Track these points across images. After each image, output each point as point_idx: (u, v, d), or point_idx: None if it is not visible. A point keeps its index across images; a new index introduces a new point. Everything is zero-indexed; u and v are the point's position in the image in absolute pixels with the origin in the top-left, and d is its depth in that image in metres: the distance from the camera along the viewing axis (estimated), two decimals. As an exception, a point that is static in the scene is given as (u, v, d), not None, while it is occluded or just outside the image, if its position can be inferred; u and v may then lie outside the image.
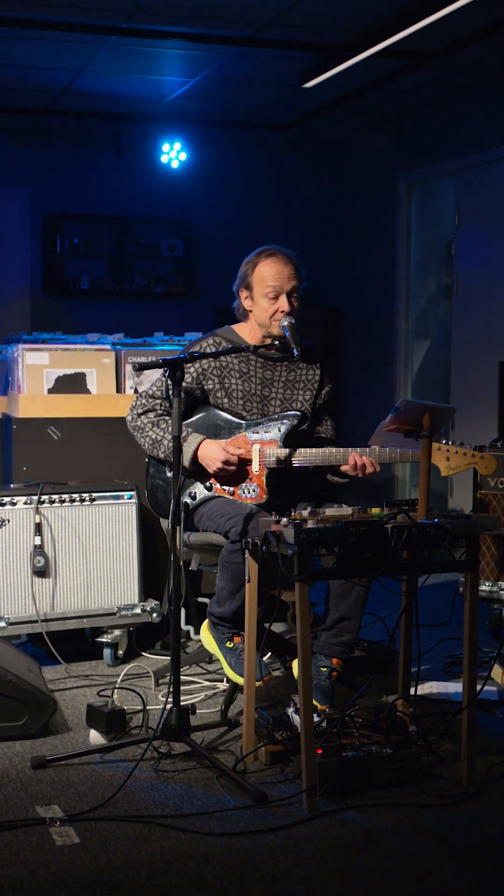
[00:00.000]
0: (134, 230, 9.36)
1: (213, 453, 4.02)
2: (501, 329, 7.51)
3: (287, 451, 4.04)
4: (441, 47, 6.66)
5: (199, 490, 4.14)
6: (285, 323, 4.03)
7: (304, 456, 4.03)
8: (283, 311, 4.05)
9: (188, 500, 4.14)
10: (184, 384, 4.09)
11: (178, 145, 9.11)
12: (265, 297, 4.07)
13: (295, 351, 3.98)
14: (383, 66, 7.05)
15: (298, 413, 4.11)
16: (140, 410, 4.19)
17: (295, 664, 3.96)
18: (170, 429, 4.10)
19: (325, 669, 3.88)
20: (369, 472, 4.01)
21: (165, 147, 9.11)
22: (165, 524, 4.36)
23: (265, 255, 4.11)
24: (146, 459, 4.34)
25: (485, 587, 4.77)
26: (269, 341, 4.14)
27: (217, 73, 7.29)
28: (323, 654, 3.92)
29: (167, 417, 4.14)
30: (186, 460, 4.03)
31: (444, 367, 8.39)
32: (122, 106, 8.25)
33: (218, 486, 4.11)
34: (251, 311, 4.14)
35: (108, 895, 2.71)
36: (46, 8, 5.96)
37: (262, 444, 4.08)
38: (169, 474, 4.23)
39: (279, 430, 4.08)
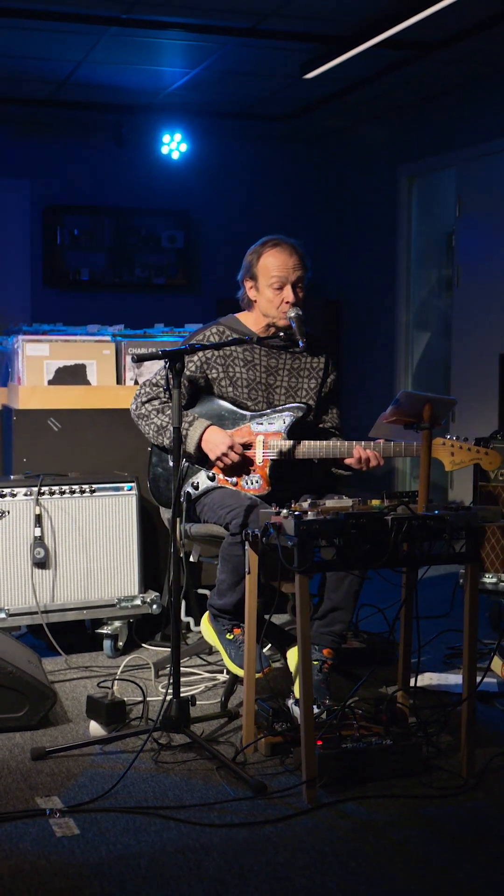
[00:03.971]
0: (134, 221, 9.35)
1: (218, 438, 4.01)
2: (502, 321, 7.50)
3: (291, 443, 4.03)
4: (442, 38, 6.65)
5: (202, 480, 4.13)
6: (292, 314, 4.02)
7: (308, 448, 4.02)
8: (287, 302, 4.04)
9: (190, 489, 4.13)
10: (187, 373, 4.09)
11: (178, 136, 9.10)
12: (270, 287, 4.05)
13: (301, 342, 3.97)
14: (384, 58, 7.04)
15: (304, 405, 4.09)
16: (144, 398, 4.18)
17: (289, 654, 3.97)
18: None
19: (316, 663, 3.86)
20: (373, 465, 3.99)
21: (166, 138, 9.10)
22: (166, 514, 4.35)
23: (270, 245, 4.08)
24: (149, 448, 4.33)
25: (490, 579, 4.74)
26: (273, 331, 4.12)
27: (217, 63, 7.27)
28: (314, 643, 3.90)
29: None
30: (192, 445, 4.02)
31: (445, 359, 8.38)
32: (122, 97, 8.24)
33: (221, 476, 4.10)
34: (256, 300, 4.13)
35: (107, 886, 2.71)
36: (46, -2, 5.96)
37: (267, 435, 4.07)
38: (171, 463, 4.22)
39: (284, 422, 4.07)
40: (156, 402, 4.15)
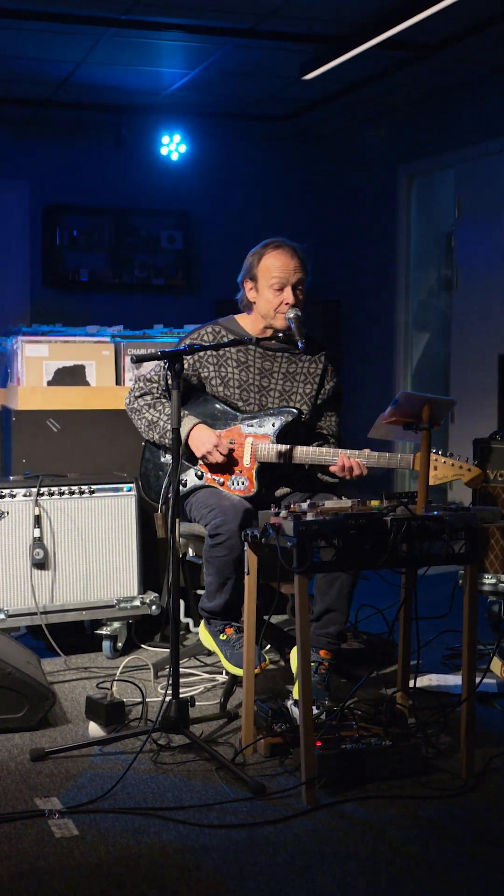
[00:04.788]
0: (134, 222, 9.35)
1: (204, 436, 4.02)
2: (501, 322, 7.50)
3: (278, 447, 4.04)
4: (441, 39, 6.65)
5: (190, 477, 4.14)
6: (291, 315, 4.02)
7: (295, 453, 4.03)
8: (287, 304, 4.04)
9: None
10: None
11: (177, 137, 9.11)
12: (270, 288, 4.06)
13: (300, 344, 3.97)
14: (383, 58, 7.04)
15: (294, 410, 4.10)
16: (138, 393, 4.21)
17: (291, 654, 3.97)
18: (166, 411, 4.11)
19: (313, 664, 3.85)
20: (356, 474, 4.00)
21: (165, 139, 9.10)
22: (155, 507, 4.35)
23: (272, 247, 4.09)
24: (143, 443, 4.34)
25: (490, 580, 4.73)
26: (270, 333, 4.13)
27: (217, 64, 7.27)
28: (311, 645, 3.90)
29: (164, 401, 4.16)
30: None
31: (444, 360, 8.38)
32: (121, 98, 8.24)
33: (208, 475, 4.12)
34: (255, 302, 4.13)
35: (107, 887, 2.71)
36: (46, -1, 5.96)
37: (256, 437, 4.08)
38: (162, 459, 4.24)
39: (273, 426, 4.08)
40: (148, 398, 4.18)
